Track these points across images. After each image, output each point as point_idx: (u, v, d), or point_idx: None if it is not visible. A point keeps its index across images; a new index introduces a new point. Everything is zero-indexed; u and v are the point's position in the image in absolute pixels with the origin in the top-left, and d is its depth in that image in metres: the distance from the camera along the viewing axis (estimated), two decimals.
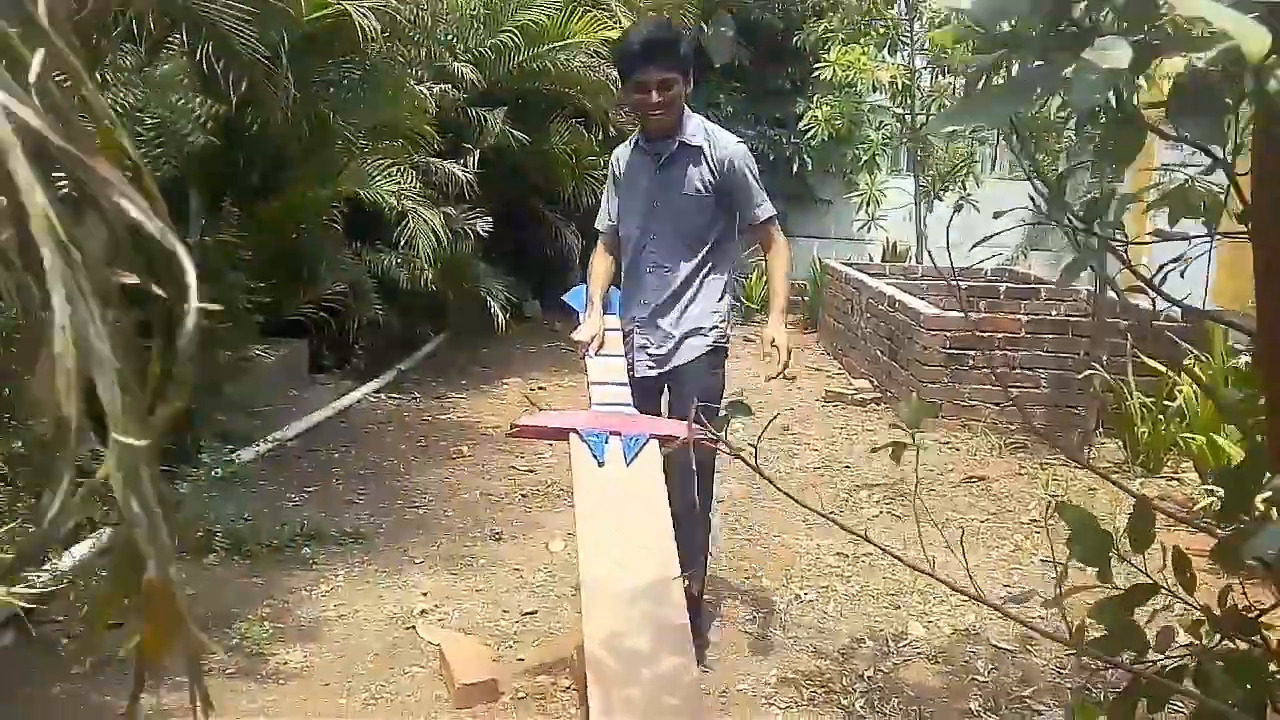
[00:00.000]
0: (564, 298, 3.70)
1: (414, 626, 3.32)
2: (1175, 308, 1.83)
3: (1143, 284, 1.72)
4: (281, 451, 5.02)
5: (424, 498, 4.56)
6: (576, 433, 2.84)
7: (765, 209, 3.11)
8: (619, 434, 2.82)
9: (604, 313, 3.20)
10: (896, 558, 2.14)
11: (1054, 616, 3.27)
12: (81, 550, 3.50)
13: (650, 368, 3.15)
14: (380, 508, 4.41)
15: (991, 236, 2.07)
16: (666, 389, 3.18)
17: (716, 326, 3.12)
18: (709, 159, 3.05)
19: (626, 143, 3.28)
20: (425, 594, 3.56)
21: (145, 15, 3.90)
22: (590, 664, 2.34)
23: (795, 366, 7.40)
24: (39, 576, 3.28)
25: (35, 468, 3.70)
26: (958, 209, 8.07)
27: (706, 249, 3.10)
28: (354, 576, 3.69)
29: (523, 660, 3.13)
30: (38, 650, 3.04)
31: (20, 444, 3.68)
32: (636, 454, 2.77)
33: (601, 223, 3.34)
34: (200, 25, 3.91)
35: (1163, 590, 2.07)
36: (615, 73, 3.58)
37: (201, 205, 4.54)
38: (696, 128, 3.08)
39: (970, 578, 2.02)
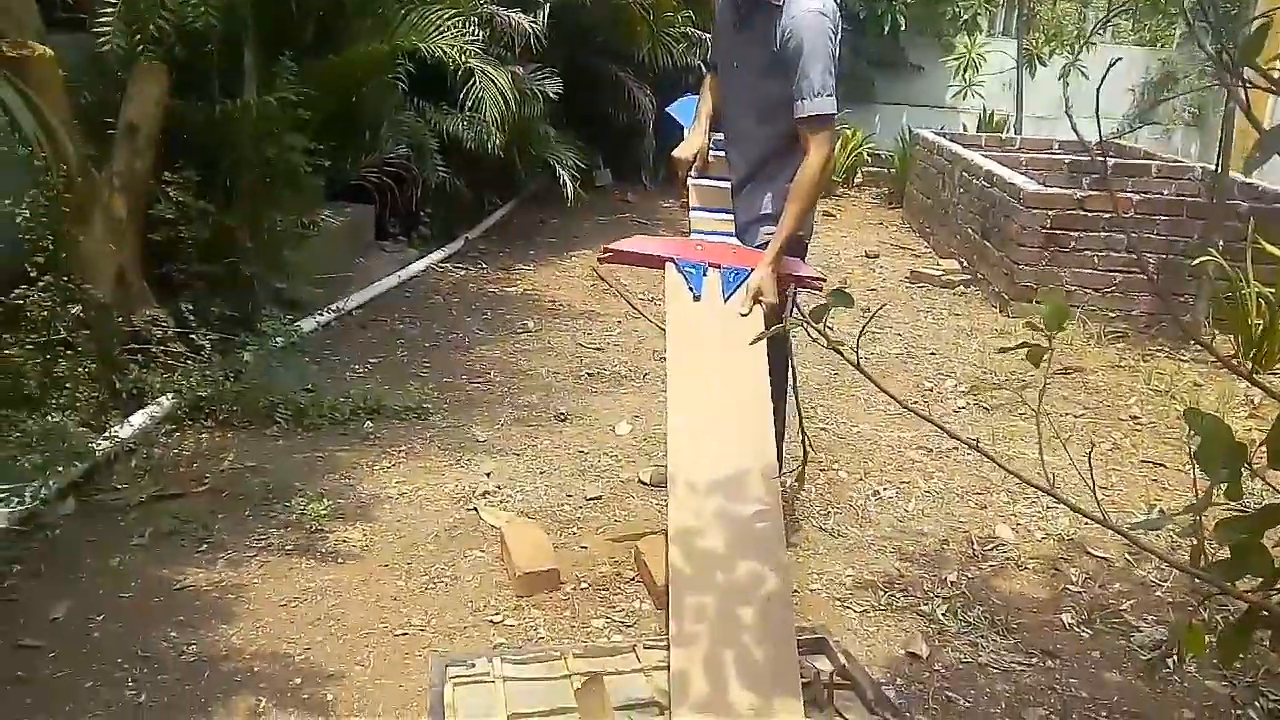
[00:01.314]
0: (669, 109, 3.39)
1: (475, 508, 3.21)
2: None
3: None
4: (345, 321, 4.91)
5: (488, 374, 4.42)
6: (673, 262, 2.65)
7: (811, 104, 2.55)
8: (718, 266, 2.61)
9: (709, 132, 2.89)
10: (988, 456, 1.90)
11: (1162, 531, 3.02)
12: (140, 419, 3.44)
13: None
14: (444, 382, 4.28)
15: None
16: None
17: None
18: (778, 23, 2.57)
19: None
20: (488, 474, 3.44)
21: None
22: (672, 567, 2.19)
23: (877, 246, 7.04)
24: (99, 444, 3.24)
25: (96, 330, 3.63)
26: (1065, 74, 7.44)
27: (783, 125, 2.65)
28: (416, 453, 3.58)
29: (585, 548, 3.01)
30: (98, 519, 3.01)
31: (80, 307, 3.60)
32: (736, 289, 2.56)
33: (711, 57, 3.04)
34: None
35: None
36: None
37: (256, 62, 4.29)
38: None
39: (1092, 491, 1.77)
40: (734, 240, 2.79)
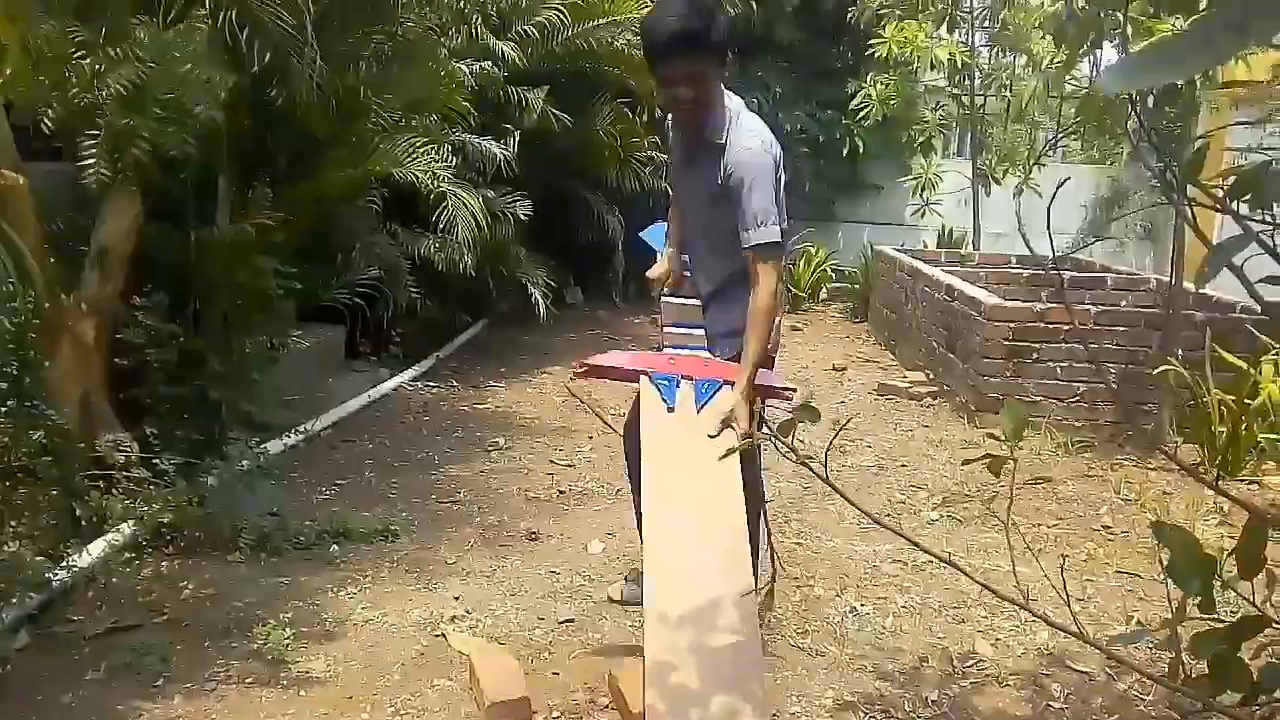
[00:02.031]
0: (642, 234, 3.54)
1: (443, 634, 3.12)
2: (1253, 299, 1.58)
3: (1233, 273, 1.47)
4: (314, 442, 4.86)
5: (458, 493, 4.37)
6: (646, 374, 2.72)
7: (755, 234, 2.62)
8: (691, 378, 2.68)
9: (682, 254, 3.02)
10: (963, 571, 1.90)
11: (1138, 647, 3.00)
12: (100, 547, 3.35)
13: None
14: (413, 503, 4.22)
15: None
16: None
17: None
18: (722, 160, 2.69)
19: None
20: (456, 598, 3.36)
21: None
22: (648, 707, 2.13)
23: (844, 359, 7.14)
24: (57, 575, 3.14)
25: (58, 456, 3.57)
26: (1018, 193, 7.72)
27: (735, 253, 2.72)
28: (382, 578, 3.50)
29: (558, 674, 2.92)
30: (53, 652, 2.89)
31: (41, 434, 3.54)
32: (708, 400, 2.62)
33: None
34: None
35: (1275, 624, 1.81)
36: None
37: (230, 188, 4.37)
38: (723, 122, 2.71)
39: (1067, 605, 1.76)
40: (705, 353, 2.89)
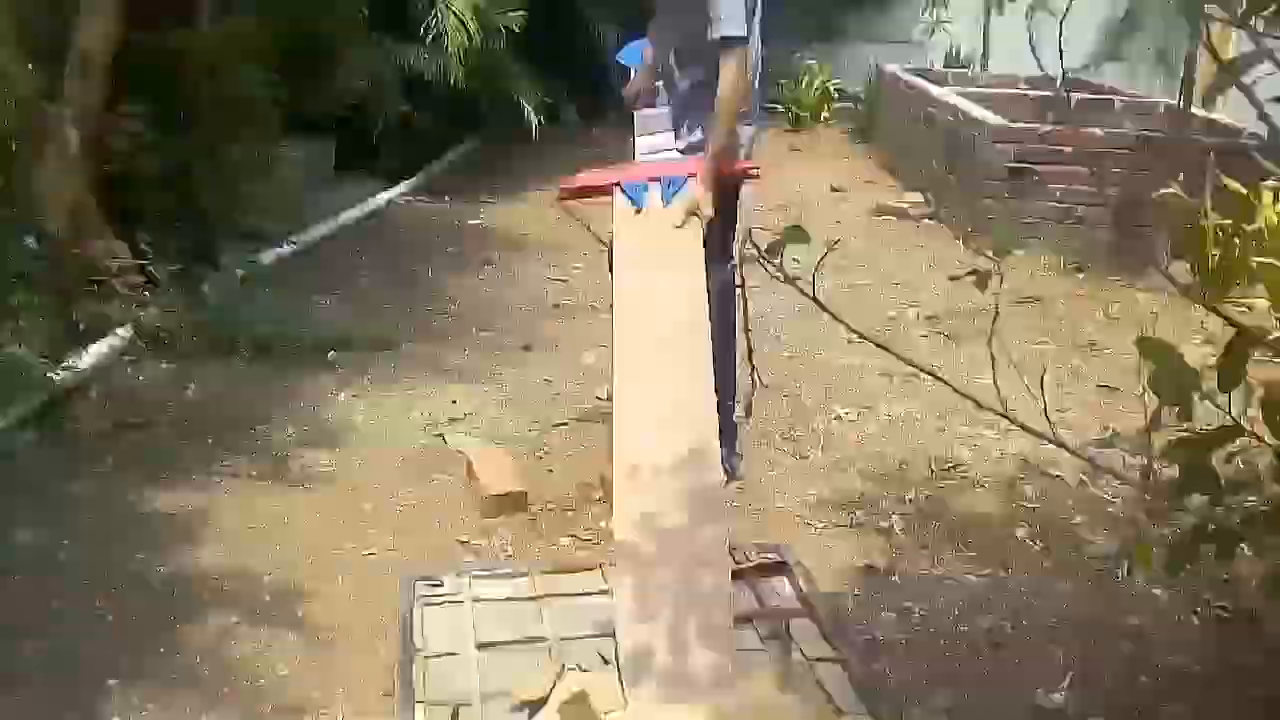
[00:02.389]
0: (619, 56, 3.53)
1: (442, 435, 3.22)
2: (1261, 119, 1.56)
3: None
4: (308, 254, 4.86)
5: (453, 306, 4.41)
6: (618, 185, 2.79)
7: (719, 28, 2.61)
8: (659, 179, 2.75)
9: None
10: (944, 381, 1.96)
11: (1113, 452, 3.11)
12: (99, 350, 3.40)
13: None
14: (408, 314, 4.26)
15: None
16: None
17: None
18: None
19: None
20: (453, 402, 3.45)
21: None
22: (617, 494, 2.23)
23: (843, 180, 7.04)
24: (58, 376, 3.20)
25: (51, 262, 3.58)
26: (1031, 13, 7.41)
27: (702, 67, 2.73)
28: (381, 383, 3.58)
29: (551, 472, 3.04)
30: (59, 449, 2.99)
31: (34, 239, 3.54)
32: (675, 194, 2.69)
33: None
34: None
35: (1247, 434, 1.88)
36: None
37: None
38: None
39: (1045, 415, 1.82)
40: (676, 156, 2.89)
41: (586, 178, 3.02)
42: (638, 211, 2.70)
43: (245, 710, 2.03)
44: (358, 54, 5.61)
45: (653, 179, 2.75)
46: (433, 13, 5.25)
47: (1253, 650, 2.34)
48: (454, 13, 5.28)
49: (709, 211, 2.63)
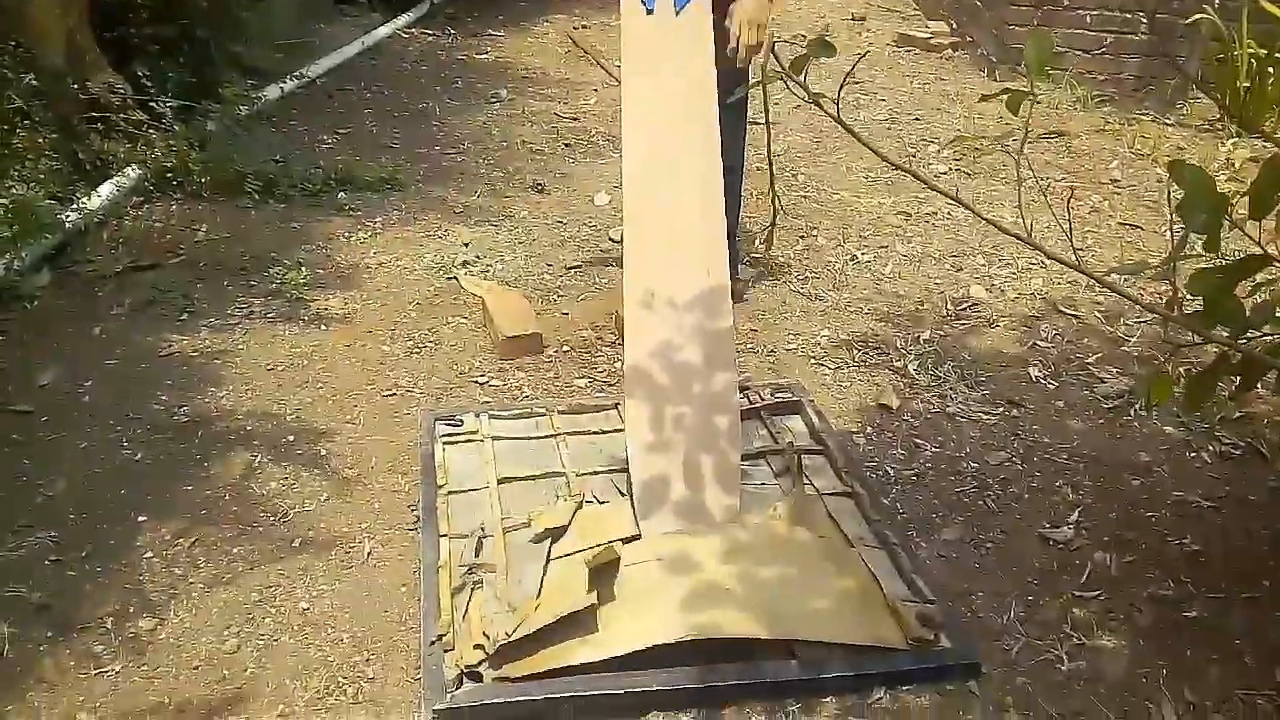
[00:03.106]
0: None
1: (455, 277, 3.21)
2: None
3: None
4: (310, 90, 4.71)
5: (462, 144, 4.30)
6: None
7: None
8: None
9: None
10: (967, 207, 1.92)
11: (1134, 286, 3.08)
12: (108, 191, 3.35)
13: None
14: (416, 153, 4.17)
15: None
16: None
17: None
18: None
19: None
20: (466, 245, 3.42)
21: None
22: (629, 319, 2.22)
23: (863, 6, 6.71)
24: (68, 216, 3.17)
25: (51, 98, 3.48)
26: None
27: None
28: (392, 224, 3.54)
29: (566, 314, 3.04)
30: (74, 290, 2.99)
31: (32, 74, 3.43)
32: (687, 2, 2.51)
33: None
34: None
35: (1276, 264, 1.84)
36: None
37: None
38: None
39: (1070, 244, 1.76)
40: None
41: None
42: (649, 12, 2.52)
43: (274, 543, 2.10)
44: None
45: None
46: None
47: (1261, 486, 2.39)
48: None
49: (747, 39, 2.49)
